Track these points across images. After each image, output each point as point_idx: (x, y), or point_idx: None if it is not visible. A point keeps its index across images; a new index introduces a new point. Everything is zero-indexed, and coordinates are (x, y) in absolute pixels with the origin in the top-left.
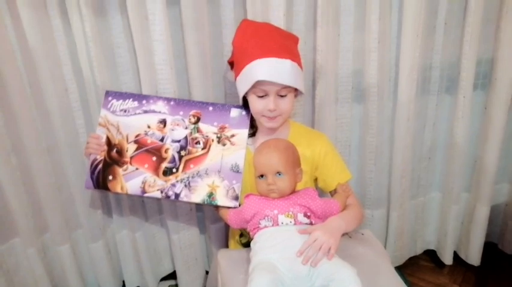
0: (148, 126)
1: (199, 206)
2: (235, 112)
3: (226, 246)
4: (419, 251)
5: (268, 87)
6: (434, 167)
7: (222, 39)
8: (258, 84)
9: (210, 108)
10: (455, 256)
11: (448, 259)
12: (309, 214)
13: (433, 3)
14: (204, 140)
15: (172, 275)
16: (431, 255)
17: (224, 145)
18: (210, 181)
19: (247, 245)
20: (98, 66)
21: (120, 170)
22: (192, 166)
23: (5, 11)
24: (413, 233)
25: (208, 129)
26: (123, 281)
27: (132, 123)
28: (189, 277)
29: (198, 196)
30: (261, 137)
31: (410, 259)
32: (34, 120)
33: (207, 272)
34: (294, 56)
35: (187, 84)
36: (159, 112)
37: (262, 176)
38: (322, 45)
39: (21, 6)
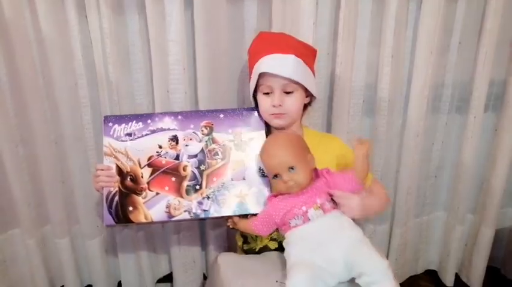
0: (160, 146)
1: None
2: (248, 115)
3: (226, 251)
4: (420, 270)
5: (271, 81)
6: (440, 186)
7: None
8: (263, 80)
9: (221, 115)
10: (457, 278)
11: (449, 281)
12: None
13: (448, 22)
14: (221, 149)
15: (168, 277)
16: (432, 275)
17: (244, 151)
18: (238, 191)
19: (249, 251)
20: (112, 63)
21: (139, 199)
22: (215, 179)
23: (25, 2)
24: (416, 252)
25: (223, 137)
26: (119, 282)
27: (141, 146)
28: (186, 279)
29: (228, 209)
30: None
31: (410, 277)
32: (44, 111)
33: (204, 277)
34: (302, 55)
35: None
36: (168, 129)
37: (276, 175)
38: (342, 58)
39: None
